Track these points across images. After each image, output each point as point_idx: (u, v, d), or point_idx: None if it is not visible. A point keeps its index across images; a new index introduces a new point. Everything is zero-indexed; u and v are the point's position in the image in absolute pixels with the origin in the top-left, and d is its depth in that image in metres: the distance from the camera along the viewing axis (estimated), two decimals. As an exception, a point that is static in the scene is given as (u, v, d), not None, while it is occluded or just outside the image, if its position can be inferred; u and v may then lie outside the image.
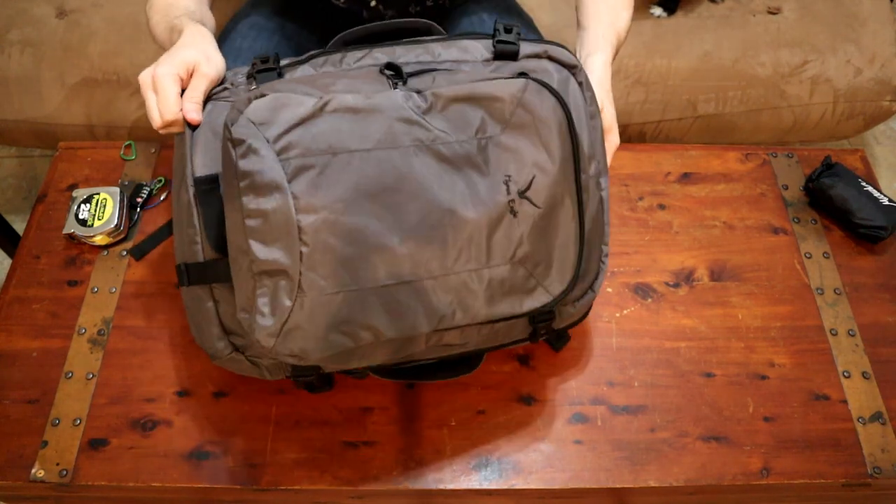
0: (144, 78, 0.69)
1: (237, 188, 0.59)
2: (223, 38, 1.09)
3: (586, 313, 0.81)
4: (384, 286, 0.61)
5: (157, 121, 0.69)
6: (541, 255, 0.67)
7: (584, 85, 0.76)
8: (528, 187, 0.65)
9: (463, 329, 0.68)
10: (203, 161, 0.68)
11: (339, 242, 0.59)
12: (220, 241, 0.66)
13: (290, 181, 0.58)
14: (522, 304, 0.67)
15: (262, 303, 0.60)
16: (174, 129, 0.70)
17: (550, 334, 0.78)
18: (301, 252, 0.59)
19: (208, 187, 0.66)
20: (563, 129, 0.68)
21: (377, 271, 0.61)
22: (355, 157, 0.60)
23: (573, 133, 0.68)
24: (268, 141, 0.58)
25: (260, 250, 0.59)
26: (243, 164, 0.58)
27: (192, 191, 0.67)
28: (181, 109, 0.68)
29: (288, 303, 0.59)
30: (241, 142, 0.58)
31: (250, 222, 0.59)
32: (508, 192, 0.64)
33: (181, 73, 0.68)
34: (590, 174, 0.74)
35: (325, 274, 0.59)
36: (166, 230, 0.93)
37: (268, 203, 0.58)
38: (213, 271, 0.67)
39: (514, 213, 0.64)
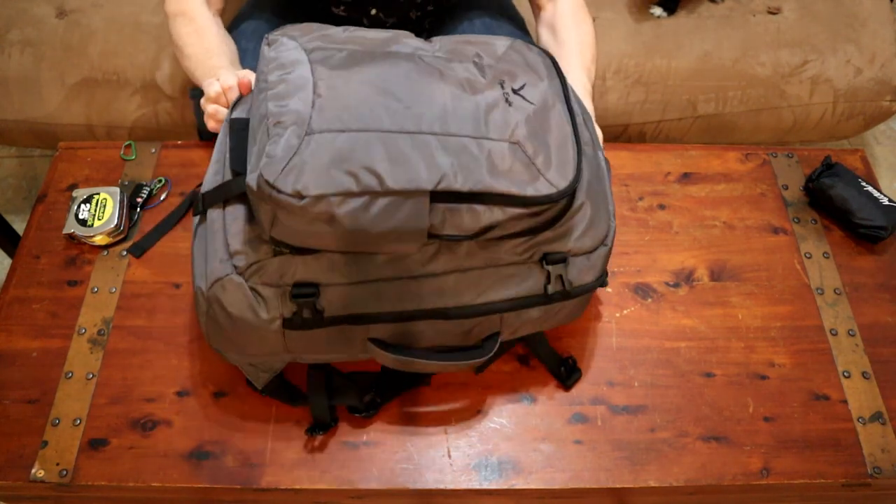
0: (211, 79, 0.91)
1: (265, 74, 0.69)
2: (232, 33, 1.10)
3: (601, 278, 0.78)
4: (387, 132, 0.64)
5: (215, 88, 0.89)
6: (538, 147, 0.68)
7: (571, 92, 0.81)
8: (521, 88, 0.72)
9: (470, 210, 0.66)
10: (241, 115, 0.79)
11: (349, 94, 0.66)
12: (241, 166, 0.71)
13: (310, 63, 0.68)
14: (525, 188, 0.66)
15: (272, 147, 0.63)
16: (222, 103, 0.89)
17: (566, 288, 0.75)
18: (314, 101, 0.65)
19: (240, 126, 0.75)
20: (550, 66, 0.76)
21: (381, 118, 0.65)
22: (365, 51, 0.71)
23: (559, 72, 0.76)
24: (296, 41, 0.71)
25: (277, 106, 0.65)
26: (272, 52, 0.70)
27: (226, 125, 0.77)
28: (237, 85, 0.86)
29: (296, 142, 0.62)
30: (275, 40, 0.72)
31: (272, 91, 0.66)
32: (503, 88, 0.71)
33: (238, 75, 0.87)
34: (583, 139, 0.77)
35: (332, 117, 0.64)
36: (165, 226, 0.94)
37: (289, 73, 0.68)
38: (228, 187, 0.72)
39: (509, 102, 0.70)
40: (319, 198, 0.61)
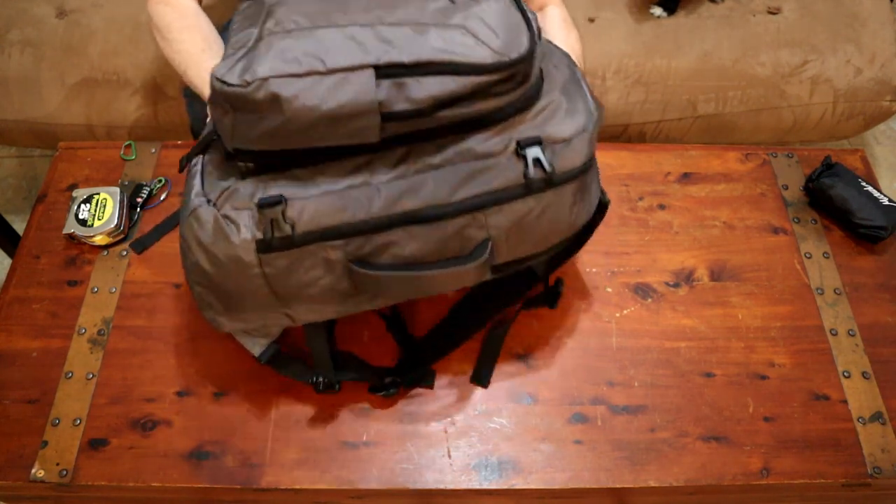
0: None
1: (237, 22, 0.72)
2: (224, 34, 1.10)
3: (589, 163, 0.75)
4: (331, 27, 0.68)
5: None
6: (485, 29, 0.68)
7: (533, 15, 0.81)
8: None
9: (418, 81, 0.66)
10: None
11: (297, 8, 0.70)
12: None
13: (267, 4, 0.72)
14: (473, 56, 0.66)
15: (226, 55, 0.67)
16: None
17: (547, 172, 0.71)
18: (265, 19, 0.70)
19: None
20: None
21: (326, 19, 0.69)
22: None
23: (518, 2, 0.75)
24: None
25: (237, 33, 0.70)
26: (241, 6, 0.74)
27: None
28: None
29: (247, 46, 0.67)
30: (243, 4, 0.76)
31: (238, 33, 0.70)
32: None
33: None
34: (545, 50, 0.77)
35: (280, 23, 0.69)
36: (167, 224, 0.95)
37: (249, 15, 0.72)
38: (208, 136, 0.75)
39: (454, 2, 0.71)
40: (264, 80, 0.64)
